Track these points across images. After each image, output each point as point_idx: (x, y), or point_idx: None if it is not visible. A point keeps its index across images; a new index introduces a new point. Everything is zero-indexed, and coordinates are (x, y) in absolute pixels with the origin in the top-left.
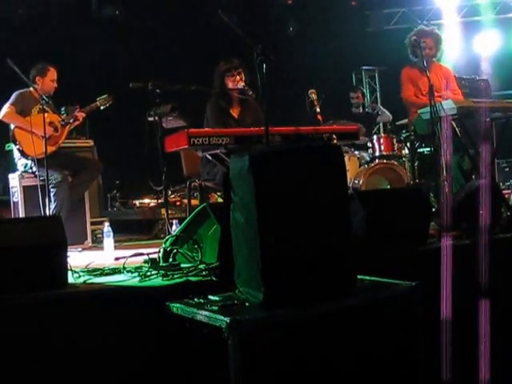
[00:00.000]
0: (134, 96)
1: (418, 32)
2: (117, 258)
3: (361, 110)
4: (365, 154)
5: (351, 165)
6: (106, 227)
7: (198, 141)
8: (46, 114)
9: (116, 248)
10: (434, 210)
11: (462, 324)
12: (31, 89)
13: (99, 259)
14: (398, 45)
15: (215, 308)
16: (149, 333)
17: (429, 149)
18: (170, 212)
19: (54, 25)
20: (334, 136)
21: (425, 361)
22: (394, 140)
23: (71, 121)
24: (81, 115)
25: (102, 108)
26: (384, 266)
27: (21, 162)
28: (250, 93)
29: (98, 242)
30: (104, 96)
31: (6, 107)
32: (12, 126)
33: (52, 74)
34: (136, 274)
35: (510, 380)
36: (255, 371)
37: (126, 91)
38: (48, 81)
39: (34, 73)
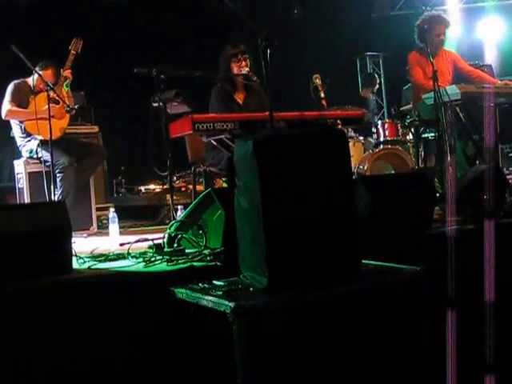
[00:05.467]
0: (139, 82)
1: (430, 18)
2: (122, 244)
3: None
4: (370, 140)
5: (356, 150)
6: (112, 213)
7: (202, 126)
8: (45, 97)
9: (121, 234)
10: (438, 194)
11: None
12: (26, 79)
13: (104, 245)
14: (403, 31)
15: (220, 293)
16: (153, 318)
17: (433, 134)
18: (174, 198)
19: (57, 10)
20: (338, 121)
21: (431, 344)
22: (399, 125)
23: (67, 82)
24: (68, 72)
25: (79, 52)
26: (389, 251)
27: (25, 149)
28: (255, 78)
29: (103, 228)
30: (72, 41)
31: (7, 105)
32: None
33: (48, 74)
34: (141, 259)
35: None
36: (260, 356)
37: (130, 77)
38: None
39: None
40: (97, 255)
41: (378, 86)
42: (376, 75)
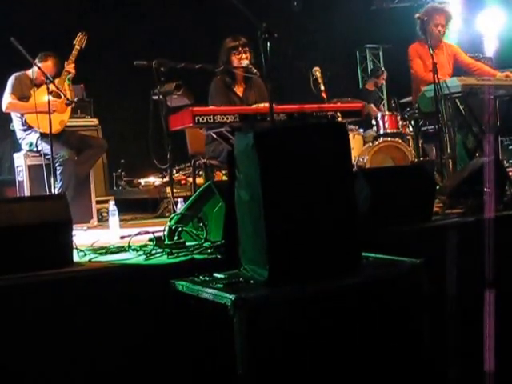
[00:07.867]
0: (139, 74)
1: (431, 9)
2: (122, 237)
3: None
4: (370, 131)
5: (356, 143)
6: (112, 206)
7: (202, 119)
8: (46, 90)
9: (121, 226)
10: (438, 187)
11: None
12: (26, 71)
13: (105, 238)
14: (402, 23)
15: (220, 286)
16: (154, 311)
17: (433, 127)
18: (175, 190)
19: (57, 4)
20: (338, 114)
21: (429, 338)
22: (399, 118)
23: (69, 76)
24: (71, 67)
25: (83, 47)
26: (389, 244)
27: (25, 142)
28: (255, 71)
29: (103, 221)
30: (77, 36)
31: (7, 98)
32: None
33: (48, 66)
34: (141, 252)
35: None
36: (260, 349)
37: (130, 70)
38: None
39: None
40: (97, 248)
41: (383, 81)
42: (383, 69)
